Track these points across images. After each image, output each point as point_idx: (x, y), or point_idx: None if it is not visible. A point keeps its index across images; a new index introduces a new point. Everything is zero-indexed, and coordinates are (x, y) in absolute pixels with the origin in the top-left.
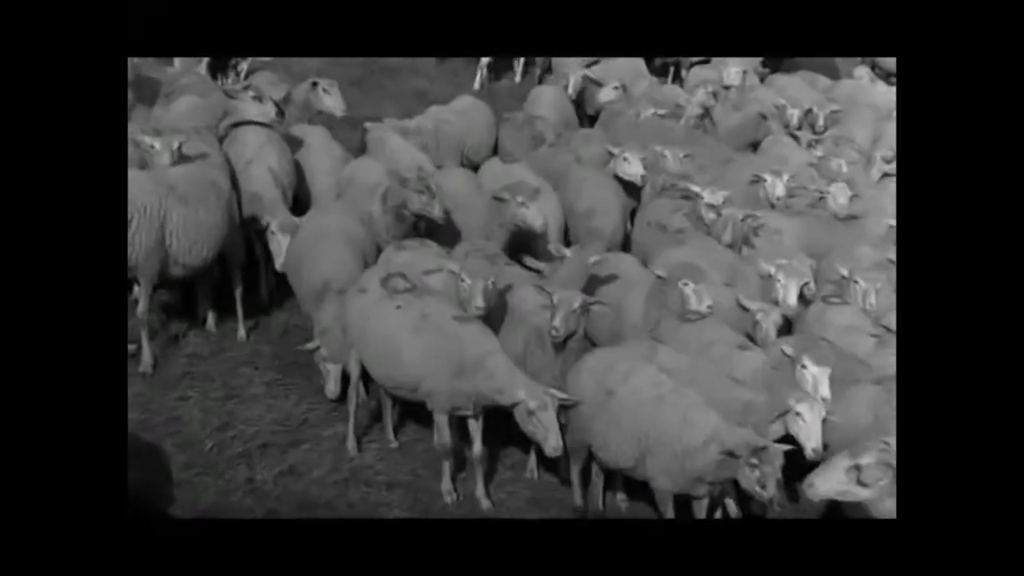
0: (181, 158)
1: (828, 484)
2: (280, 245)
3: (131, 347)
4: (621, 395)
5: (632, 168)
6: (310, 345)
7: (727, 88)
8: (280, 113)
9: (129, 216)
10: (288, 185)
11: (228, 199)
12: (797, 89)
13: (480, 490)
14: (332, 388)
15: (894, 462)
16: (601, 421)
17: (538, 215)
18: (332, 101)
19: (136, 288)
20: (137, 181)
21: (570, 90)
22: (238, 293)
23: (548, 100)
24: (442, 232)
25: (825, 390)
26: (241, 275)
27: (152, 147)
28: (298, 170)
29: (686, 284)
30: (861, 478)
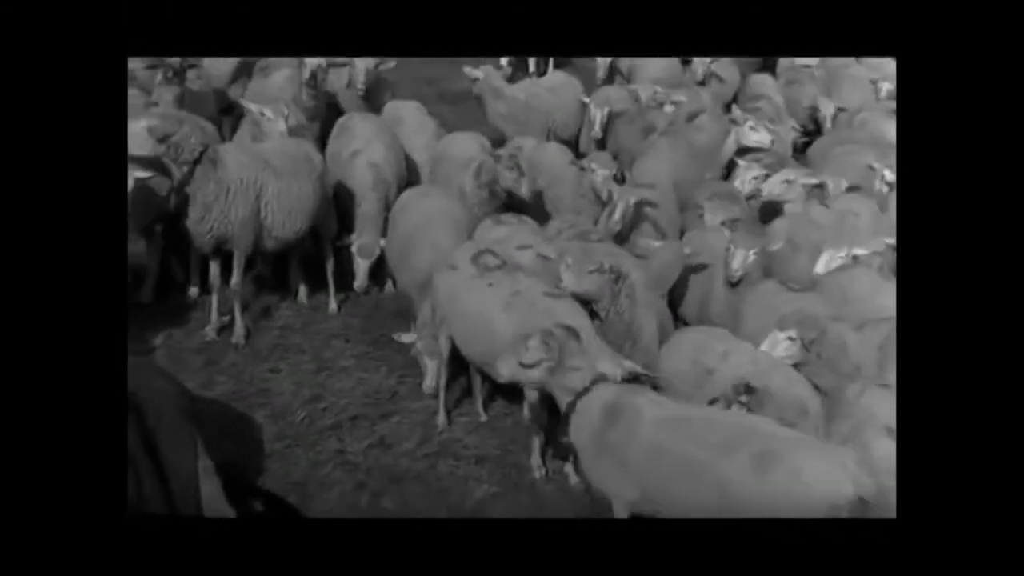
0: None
1: (506, 367)
2: (360, 267)
3: (224, 318)
4: (722, 373)
5: (760, 135)
6: (406, 338)
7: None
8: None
9: (225, 189)
10: (394, 179)
11: (321, 172)
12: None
13: (569, 465)
14: (430, 384)
15: (557, 343)
16: (700, 400)
17: (606, 183)
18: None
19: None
20: (233, 154)
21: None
22: (330, 266)
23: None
24: (537, 207)
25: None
26: (333, 249)
27: (263, 115)
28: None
29: (727, 248)
30: (522, 359)
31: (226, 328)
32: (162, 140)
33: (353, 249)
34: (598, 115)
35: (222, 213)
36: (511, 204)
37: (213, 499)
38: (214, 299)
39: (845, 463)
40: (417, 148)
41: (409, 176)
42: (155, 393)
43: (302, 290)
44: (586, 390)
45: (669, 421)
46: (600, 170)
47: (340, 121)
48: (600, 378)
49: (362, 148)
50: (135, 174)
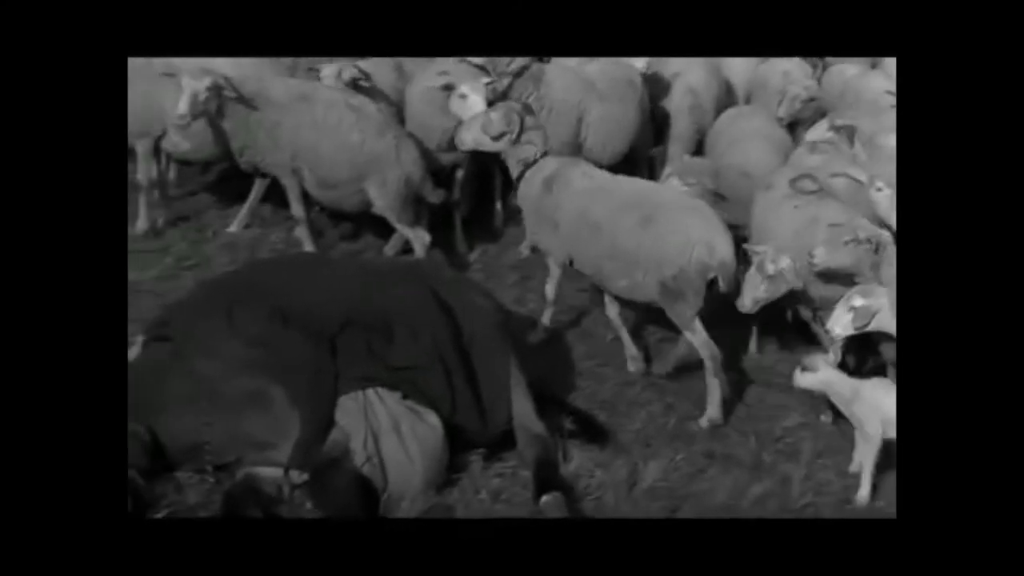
0: None
1: (469, 134)
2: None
3: None
4: None
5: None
6: None
7: None
8: None
9: (547, 107)
10: (711, 104)
11: (642, 96)
12: None
13: None
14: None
15: (519, 117)
16: None
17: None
18: None
19: None
20: (558, 74)
21: None
22: None
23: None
24: None
25: None
26: (649, 169)
27: None
28: None
29: None
30: (488, 131)
31: None
32: None
33: (670, 169)
34: None
35: None
36: None
37: (524, 414)
38: None
39: (719, 229)
40: (737, 72)
41: (727, 100)
42: (471, 309)
43: None
44: (534, 161)
45: (589, 190)
46: None
47: None
48: (546, 152)
49: (682, 71)
50: (461, 88)
